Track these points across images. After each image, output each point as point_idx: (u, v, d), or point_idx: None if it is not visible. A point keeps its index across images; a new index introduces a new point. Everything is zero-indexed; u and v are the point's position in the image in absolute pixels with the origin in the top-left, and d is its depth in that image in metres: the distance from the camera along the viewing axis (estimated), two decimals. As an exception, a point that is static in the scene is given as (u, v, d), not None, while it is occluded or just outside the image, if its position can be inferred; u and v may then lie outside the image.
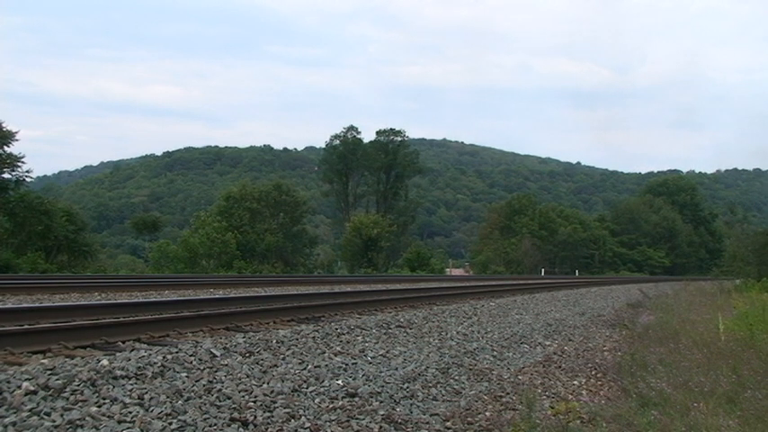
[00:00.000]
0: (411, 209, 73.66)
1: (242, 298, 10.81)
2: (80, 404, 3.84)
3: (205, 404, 4.28)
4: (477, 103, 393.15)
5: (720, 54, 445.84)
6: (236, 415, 4.18)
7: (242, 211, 44.14)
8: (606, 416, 5.23)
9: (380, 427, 4.56)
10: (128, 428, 3.68)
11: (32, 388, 3.89)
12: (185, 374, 4.78)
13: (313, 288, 16.37)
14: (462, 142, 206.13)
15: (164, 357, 5.01)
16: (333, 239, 74.42)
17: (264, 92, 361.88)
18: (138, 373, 4.56)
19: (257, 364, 5.49)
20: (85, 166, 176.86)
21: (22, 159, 28.00)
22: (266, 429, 4.11)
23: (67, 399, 3.88)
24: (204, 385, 4.61)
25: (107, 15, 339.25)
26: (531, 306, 14.56)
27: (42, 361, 4.68)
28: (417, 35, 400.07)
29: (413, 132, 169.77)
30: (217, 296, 11.83)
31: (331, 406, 4.80)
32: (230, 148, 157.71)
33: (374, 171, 71.70)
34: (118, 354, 5.11)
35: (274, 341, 6.36)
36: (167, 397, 4.23)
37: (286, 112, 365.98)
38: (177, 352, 5.29)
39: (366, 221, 50.24)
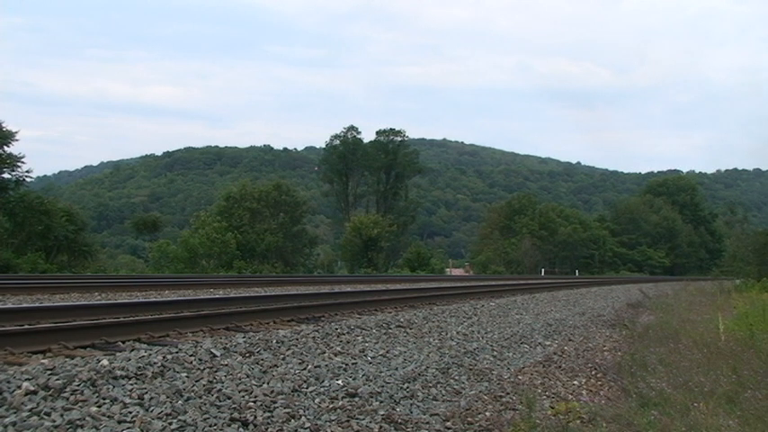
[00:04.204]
0: (411, 209, 73.74)
1: (242, 298, 10.80)
2: (80, 404, 3.84)
3: (205, 404, 4.28)
4: (477, 103, 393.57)
5: (720, 54, 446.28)
6: (236, 415, 4.18)
7: (242, 211, 44.14)
8: (606, 416, 5.23)
9: (380, 427, 4.56)
10: (128, 428, 3.68)
11: (32, 388, 3.88)
12: (185, 374, 4.78)
13: (313, 288, 16.36)
14: (462, 142, 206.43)
15: (164, 357, 5.01)
16: (333, 239, 74.43)
17: (264, 92, 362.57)
18: (138, 373, 4.55)
19: (257, 364, 5.49)
20: (85, 166, 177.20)
21: (22, 159, 28.04)
22: (266, 429, 4.11)
23: (67, 399, 3.88)
24: (204, 385, 4.61)
25: (107, 15, 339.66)
26: (531, 306, 14.56)
27: (42, 361, 4.68)
28: (417, 35, 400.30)
29: (413, 132, 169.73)
30: (217, 296, 11.82)
31: (331, 406, 4.80)
32: (230, 148, 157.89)
33: (374, 171, 71.78)
34: (118, 354, 5.11)
35: (274, 341, 6.36)
36: (167, 397, 4.23)
37: (286, 112, 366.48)
38: (177, 352, 5.29)
39: (366, 221, 50.25)
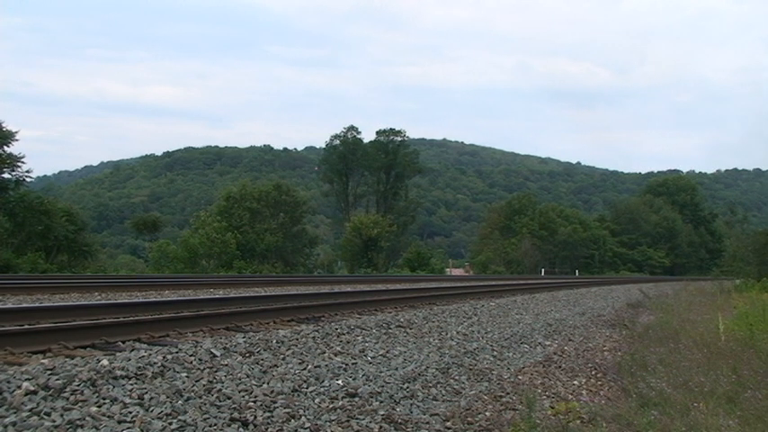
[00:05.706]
0: (411, 209, 73.70)
1: (242, 298, 10.80)
2: (80, 404, 3.84)
3: (205, 404, 4.28)
4: (477, 103, 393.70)
5: (720, 54, 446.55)
6: (236, 415, 4.18)
7: (242, 211, 44.14)
8: (606, 416, 5.24)
9: (380, 427, 4.56)
10: (128, 428, 3.68)
11: (32, 388, 3.88)
12: (185, 374, 4.78)
13: (313, 288, 16.36)
14: (462, 142, 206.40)
15: (164, 357, 5.01)
16: (333, 239, 74.44)
17: (264, 92, 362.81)
18: (138, 373, 4.55)
19: (257, 364, 5.49)
20: (85, 166, 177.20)
21: (22, 159, 28.08)
22: (266, 429, 4.11)
23: (67, 399, 3.88)
24: (204, 385, 4.61)
25: (107, 15, 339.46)
26: (531, 306, 14.56)
27: (42, 361, 4.67)
28: (417, 35, 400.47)
29: (413, 132, 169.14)
30: (217, 296, 11.82)
31: (331, 406, 4.80)
32: (230, 148, 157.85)
33: (374, 171, 71.77)
34: (118, 354, 5.11)
35: (274, 341, 6.36)
36: (167, 397, 4.23)
37: (286, 112, 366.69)
38: (177, 352, 5.29)
39: (366, 221, 50.25)
